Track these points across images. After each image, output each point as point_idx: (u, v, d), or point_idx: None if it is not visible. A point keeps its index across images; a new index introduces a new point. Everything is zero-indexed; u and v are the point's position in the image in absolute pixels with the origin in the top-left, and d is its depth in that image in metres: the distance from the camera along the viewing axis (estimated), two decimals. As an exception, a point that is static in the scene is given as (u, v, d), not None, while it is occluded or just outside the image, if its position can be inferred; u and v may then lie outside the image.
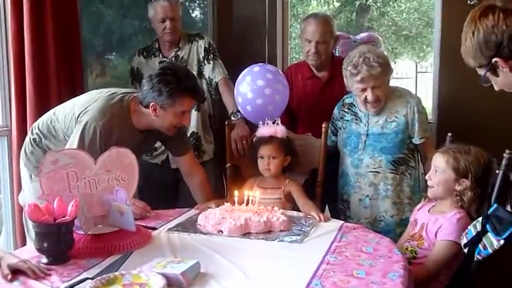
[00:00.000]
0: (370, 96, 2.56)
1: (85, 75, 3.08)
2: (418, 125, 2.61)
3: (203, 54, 3.15)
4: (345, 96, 2.81)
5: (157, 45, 3.22)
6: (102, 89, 2.53)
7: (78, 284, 1.57)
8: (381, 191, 2.64)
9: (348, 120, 2.73)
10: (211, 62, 3.13)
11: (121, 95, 2.40)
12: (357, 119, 2.70)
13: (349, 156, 2.70)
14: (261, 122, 2.64)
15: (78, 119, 2.32)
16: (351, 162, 2.69)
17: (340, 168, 2.78)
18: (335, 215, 2.83)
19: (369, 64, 2.50)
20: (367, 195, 2.66)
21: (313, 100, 3.06)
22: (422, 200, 2.41)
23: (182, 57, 3.16)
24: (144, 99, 2.34)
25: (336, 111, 2.82)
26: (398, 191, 2.64)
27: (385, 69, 2.55)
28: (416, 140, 2.63)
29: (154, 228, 2.15)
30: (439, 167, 2.17)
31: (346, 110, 2.76)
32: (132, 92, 2.47)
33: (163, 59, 3.16)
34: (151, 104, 2.31)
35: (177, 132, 2.48)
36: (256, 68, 2.85)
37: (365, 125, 2.66)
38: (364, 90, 2.56)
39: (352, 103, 2.74)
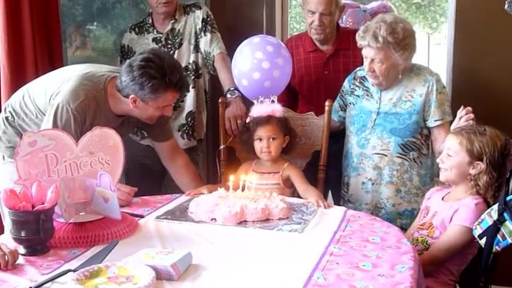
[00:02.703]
0: (365, 67, 2.57)
1: (64, 47, 3.06)
2: (435, 106, 2.58)
3: (200, 26, 3.12)
4: (358, 68, 2.79)
5: (150, 20, 3.19)
6: (79, 65, 2.52)
7: (59, 276, 1.58)
8: (385, 176, 2.64)
9: (358, 96, 2.73)
10: (208, 34, 3.11)
11: (99, 75, 2.39)
12: (368, 95, 2.69)
13: (355, 135, 2.70)
14: (255, 100, 2.64)
15: (50, 101, 2.33)
16: (357, 142, 2.69)
17: (344, 148, 2.79)
18: (339, 201, 2.85)
19: (375, 35, 2.49)
20: (370, 179, 2.67)
21: (316, 75, 3.05)
22: (435, 185, 2.42)
23: (178, 30, 3.14)
24: (123, 89, 2.32)
25: (346, 83, 2.81)
26: (406, 179, 2.63)
27: (392, 47, 2.48)
28: (431, 123, 2.60)
29: (141, 216, 2.16)
30: (452, 149, 2.18)
31: (357, 84, 2.75)
32: (112, 72, 2.43)
33: (158, 34, 3.14)
34: (131, 96, 2.30)
35: (159, 119, 2.49)
36: (256, 39, 2.85)
37: (376, 102, 2.65)
38: (366, 58, 2.57)
39: (364, 76, 2.71)
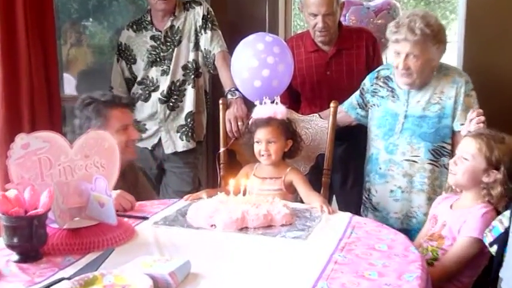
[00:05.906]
0: (400, 64, 2.52)
1: (58, 44, 3.07)
2: (462, 109, 2.54)
3: (200, 23, 3.13)
4: (380, 68, 2.77)
5: (149, 18, 3.20)
6: None
7: (53, 284, 1.57)
8: (416, 184, 2.62)
9: (382, 97, 2.69)
10: (208, 31, 3.12)
11: None
12: (394, 96, 2.65)
13: (383, 140, 2.66)
14: (257, 102, 2.62)
15: None
16: (385, 147, 2.66)
17: (368, 152, 2.76)
18: (343, 206, 2.84)
19: (411, 27, 2.44)
20: (399, 187, 2.64)
21: (318, 76, 3.05)
22: (444, 192, 2.40)
23: (178, 27, 3.14)
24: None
25: (367, 82, 2.77)
26: (436, 186, 2.60)
27: (429, 39, 2.46)
28: (456, 126, 2.56)
29: (145, 218, 2.17)
30: (469, 153, 2.15)
31: (381, 84, 2.71)
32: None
33: (157, 32, 3.15)
34: None
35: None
36: (251, 36, 2.85)
37: (404, 105, 2.61)
38: (398, 55, 2.52)
39: (388, 76, 2.67)
